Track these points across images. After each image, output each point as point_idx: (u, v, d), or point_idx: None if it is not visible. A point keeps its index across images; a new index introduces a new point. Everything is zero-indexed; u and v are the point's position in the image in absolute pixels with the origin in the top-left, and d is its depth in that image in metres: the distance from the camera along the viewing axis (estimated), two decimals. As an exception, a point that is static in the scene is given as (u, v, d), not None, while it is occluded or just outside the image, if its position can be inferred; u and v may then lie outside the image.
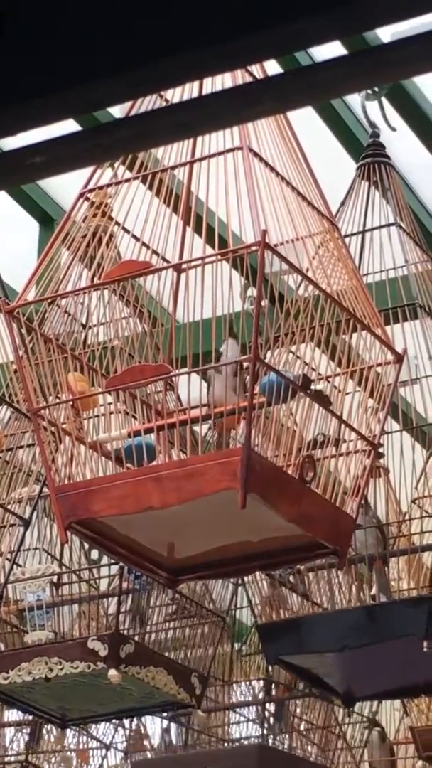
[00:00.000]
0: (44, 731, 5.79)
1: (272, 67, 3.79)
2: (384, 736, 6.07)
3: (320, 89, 1.38)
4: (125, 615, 4.71)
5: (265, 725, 5.69)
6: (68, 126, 1.61)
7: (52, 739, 5.79)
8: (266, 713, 5.70)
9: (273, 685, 5.66)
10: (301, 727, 5.75)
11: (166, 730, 6.03)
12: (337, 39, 1.40)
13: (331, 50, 1.59)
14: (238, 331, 3.46)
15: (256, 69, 3.56)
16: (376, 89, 5.10)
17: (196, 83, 3.41)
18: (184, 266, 3.65)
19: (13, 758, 5.72)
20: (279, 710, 5.70)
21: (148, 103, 3.39)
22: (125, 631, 4.65)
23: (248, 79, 3.44)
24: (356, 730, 5.94)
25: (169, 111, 1.55)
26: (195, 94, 3.37)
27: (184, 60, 1.44)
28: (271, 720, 5.71)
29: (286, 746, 5.66)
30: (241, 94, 1.48)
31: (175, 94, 3.46)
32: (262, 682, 5.83)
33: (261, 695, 5.79)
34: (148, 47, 1.49)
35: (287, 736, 5.68)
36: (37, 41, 1.66)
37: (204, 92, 3.38)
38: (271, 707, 5.73)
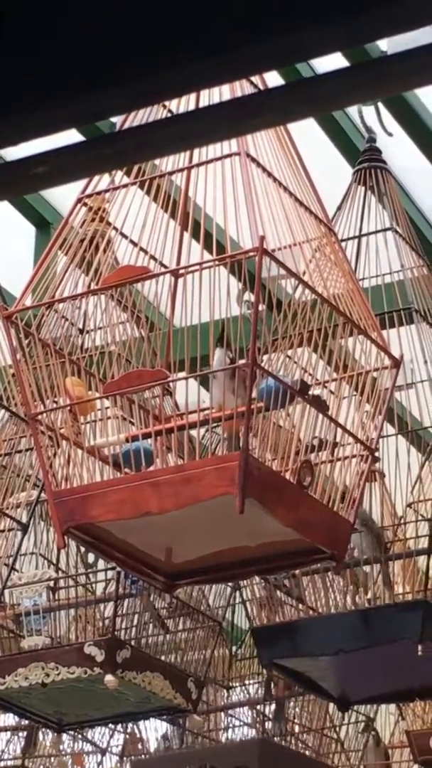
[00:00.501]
0: (40, 735, 5.79)
1: (273, 78, 3.80)
2: (378, 739, 6.07)
3: (320, 102, 1.38)
4: (122, 618, 4.71)
5: (263, 725, 5.69)
6: (69, 136, 1.62)
7: (48, 744, 5.79)
8: (265, 714, 5.70)
9: (272, 684, 5.66)
10: (297, 730, 5.75)
11: (164, 737, 6.03)
12: (338, 50, 1.41)
13: (332, 62, 1.60)
14: (235, 336, 3.47)
15: (257, 79, 3.57)
16: (373, 95, 5.10)
17: (195, 93, 3.42)
18: (181, 271, 3.66)
19: (9, 762, 5.72)
20: (278, 711, 5.70)
21: (147, 112, 3.40)
22: (121, 632, 4.65)
23: (249, 88, 3.45)
24: (352, 734, 5.94)
25: (169, 122, 1.56)
26: (194, 103, 3.38)
27: (185, 71, 1.45)
28: (268, 724, 5.71)
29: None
30: (242, 106, 1.48)
31: (176, 104, 3.47)
32: (258, 685, 5.83)
33: (258, 696, 5.79)
34: (149, 58, 1.50)
35: (284, 738, 5.68)
36: (38, 50, 1.67)
37: (202, 102, 3.39)
38: (269, 708, 5.73)
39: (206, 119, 1.47)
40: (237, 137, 3.18)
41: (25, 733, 5.75)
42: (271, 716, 5.70)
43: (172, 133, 1.46)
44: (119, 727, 5.95)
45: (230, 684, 5.90)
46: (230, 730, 5.94)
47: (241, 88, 3.45)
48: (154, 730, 6.25)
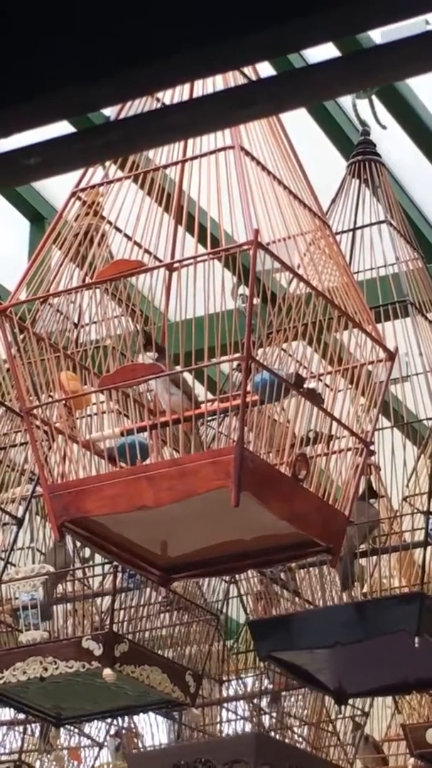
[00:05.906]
0: (39, 730, 5.78)
1: (266, 70, 3.79)
2: (367, 737, 6.07)
3: (312, 91, 1.38)
4: (120, 612, 4.71)
5: (260, 719, 5.69)
6: (61, 128, 1.62)
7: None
8: (261, 706, 5.70)
9: (268, 678, 5.66)
10: (293, 723, 5.75)
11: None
12: (329, 41, 1.41)
13: (324, 53, 1.60)
14: (230, 330, 3.46)
15: (249, 70, 3.57)
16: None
17: (188, 85, 3.42)
18: (176, 265, 3.65)
19: (5, 757, 5.72)
20: (274, 704, 5.69)
21: (140, 104, 3.39)
22: (119, 625, 4.65)
23: (242, 80, 3.44)
24: (347, 728, 5.94)
25: (160, 113, 1.55)
26: (187, 95, 3.38)
27: (176, 62, 1.45)
28: (265, 718, 5.71)
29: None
30: (233, 97, 1.48)
31: (168, 95, 3.47)
32: (254, 679, 5.83)
33: (254, 690, 5.79)
34: (140, 49, 1.50)
35: (280, 732, 5.68)
36: (30, 42, 1.66)
37: (196, 94, 3.39)
38: (265, 702, 5.73)
39: (197, 110, 1.47)
40: (228, 128, 3.17)
41: (22, 727, 5.74)
42: (267, 710, 5.71)
43: (163, 124, 1.46)
44: (116, 722, 5.95)
45: (225, 678, 5.90)
46: (227, 724, 5.94)
47: (234, 79, 3.45)
48: (150, 730, 6.23)
